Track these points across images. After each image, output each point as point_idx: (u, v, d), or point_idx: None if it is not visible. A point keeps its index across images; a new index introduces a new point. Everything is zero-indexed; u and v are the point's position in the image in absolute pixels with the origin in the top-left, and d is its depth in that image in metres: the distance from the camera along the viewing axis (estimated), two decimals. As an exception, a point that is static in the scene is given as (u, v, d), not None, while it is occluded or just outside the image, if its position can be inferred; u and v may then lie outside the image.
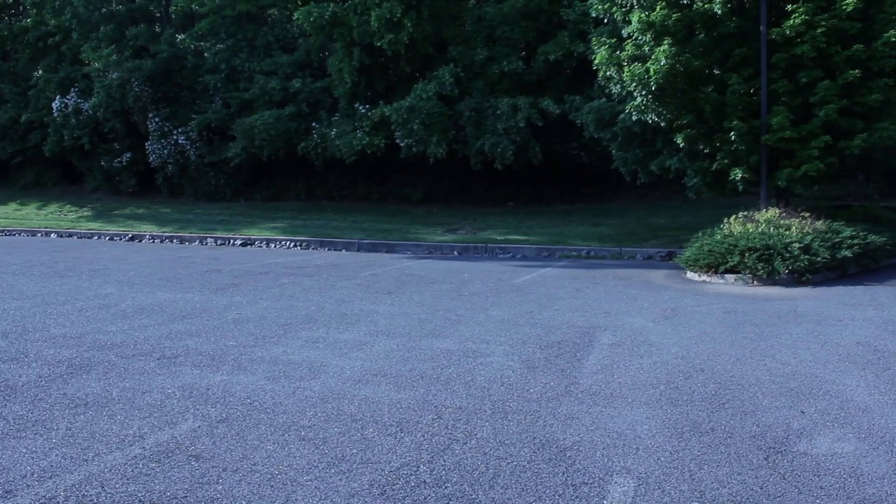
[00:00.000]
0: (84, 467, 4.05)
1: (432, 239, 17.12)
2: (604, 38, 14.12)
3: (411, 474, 3.98)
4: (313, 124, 22.31)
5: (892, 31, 11.70)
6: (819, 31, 11.74)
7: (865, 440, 4.43)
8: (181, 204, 24.92)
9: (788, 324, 7.87)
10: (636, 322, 8.04)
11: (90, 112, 25.19)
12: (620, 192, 22.83)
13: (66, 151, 26.87)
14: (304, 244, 17.52)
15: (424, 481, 3.89)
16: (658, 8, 12.34)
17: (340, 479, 3.91)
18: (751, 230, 11.68)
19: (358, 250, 16.78)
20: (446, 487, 3.81)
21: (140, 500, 3.66)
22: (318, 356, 6.53)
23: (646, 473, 3.98)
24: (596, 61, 13.99)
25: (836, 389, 5.44)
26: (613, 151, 16.51)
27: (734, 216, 12.55)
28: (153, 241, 18.91)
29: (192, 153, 24.44)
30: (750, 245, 11.04)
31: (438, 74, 20.41)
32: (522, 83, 21.00)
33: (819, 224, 11.80)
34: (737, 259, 11.01)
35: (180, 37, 26.35)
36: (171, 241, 18.81)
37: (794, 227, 11.57)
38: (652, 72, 12.36)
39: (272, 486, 3.82)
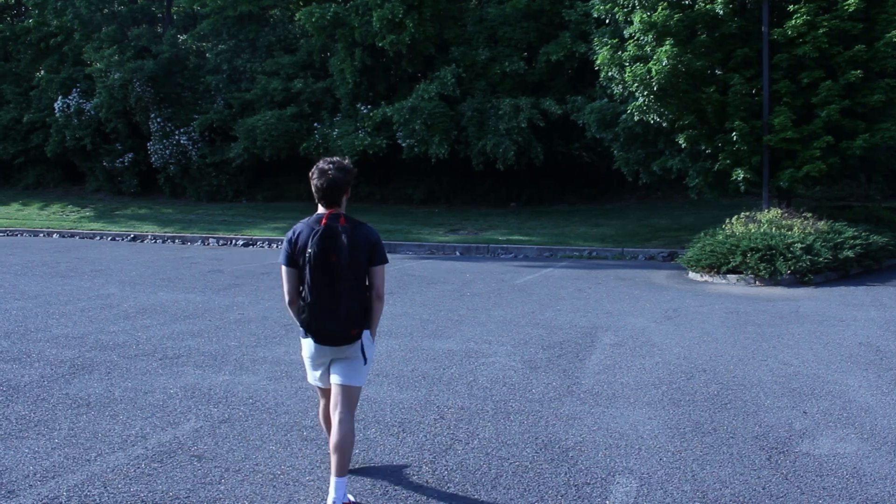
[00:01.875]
0: (86, 467, 4.06)
1: (434, 239, 17.13)
2: (605, 39, 14.13)
3: (414, 475, 3.98)
4: (315, 125, 22.32)
5: (893, 32, 11.70)
6: (821, 31, 11.74)
7: (868, 441, 4.42)
8: (183, 204, 24.94)
9: (790, 324, 7.87)
10: (638, 322, 8.04)
11: (92, 112, 25.23)
12: (622, 192, 22.82)
13: (68, 152, 26.91)
14: (305, 244, 17.49)
15: (427, 482, 3.89)
16: (660, 8, 12.35)
17: (343, 480, 3.91)
18: (753, 230, 11.68)
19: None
20: (448, 488, 3.81)
21: (143, 501, 3.66)
22: (320, 356, 6.54)
23: (648, 474, 3.98)
24: (597, 62, 13.99)
25: (838, 390, 5.44)
26: (615, 152, 16.51)
27: (736, 216, 12.54)
28: (155, 242, 18.92)
29: (193, 153, 24.45)
30: (752, 245, 11.03)
31: (440, 75, 20.42)
32: (524, 83, 21.01)
33: (821, 224, 11.79)
34: (739, 259, 11.01)
35: (182, 37, 26.38)
36: (173, 242, 18.83)
37: (796, 228, 11.56)
38: (654, 72, 12.36)
39: (274, 487, 3.82)
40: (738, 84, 12.42)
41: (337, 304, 3.51)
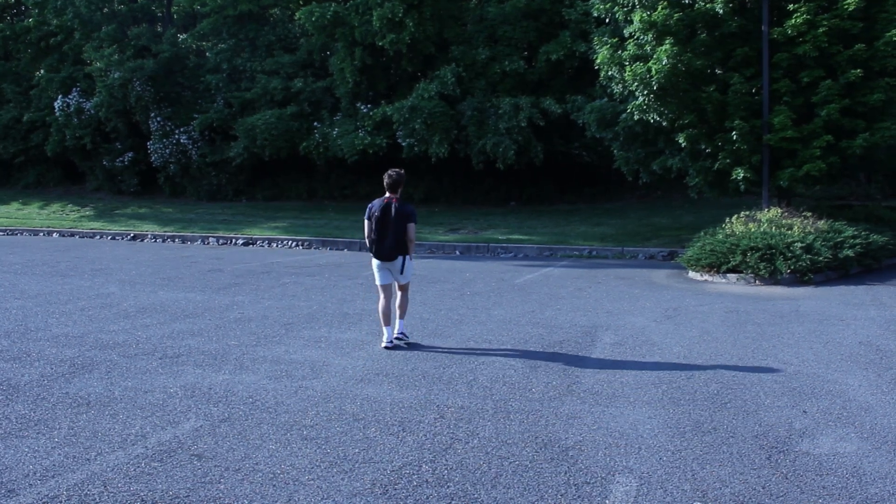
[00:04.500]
0: (86, 466, 4.06)
1: (434, 238, 17.13)
2: (605, 38, 14.12)
3: (413, 474, 3.98)
4: (315, 124, 22.32)
5: (893, 31, 11.68)
6: (821, 30, 11.74)
7: (868, 440, 4.42)
8: (183, 203, 24.94)
9: (790, 323, 7.87)
10: (638, 321, 8.04)
11: (92, 112, 25.22)
12: (622, 191, 22.82)
13: (68, 151, 26.91)
14: (305, 244, 17.52)
15: (427, 481, 3.89)
16: (660, 7, 12.34)
17: (342, 479, 3.91)
18: (753, 230, 11.68)
19: (360, 250, 16.78)
20: (448, 487, 3.81)
21: (142, 500, 3.66)
22: (320, 355, 6.54)
23: (648, 473, 3.98)
24: (597, 61, 13.98)
25: (838, 389, 5.44)
26: (615, 151, 16.50)
27: (736, 216, 12.54)
28: (155, 241, 18.93)
29: (193, 153, 24.45)
30: (752, 245, 11.03)
31: (440, 74, 20.41)
32: (524, 83, 21.00)
33: (821, 224, 11.79)
34: (739, 259, 11.01)
35: (182, 36, 26.37)
36: (173, 241, 18.83)
37: (795, 227, 11.56)
38: (653, 71, 12.36)
39: (274, 486, 3.82)
40: (738, 83, 12.41)
41: (385, 240, 6.80)
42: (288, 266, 13.40)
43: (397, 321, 7.00)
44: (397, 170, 6.96)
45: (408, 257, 6.91)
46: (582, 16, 18.98)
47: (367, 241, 6.94)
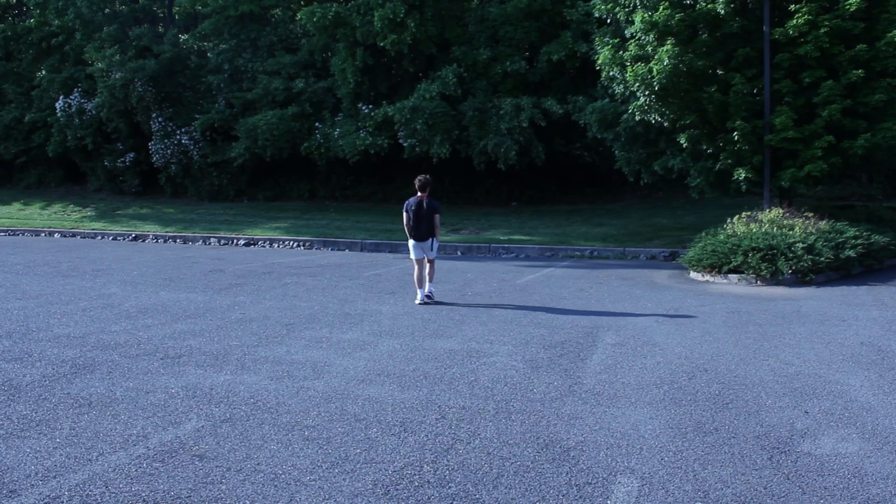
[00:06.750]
0: (88, 467, 4.06)
1: (435, 239, 17.12)
2: (607, 39, 14.12)
3: (415, 474, 3.98)
4: (316, 124, 22.33)
5: (895, 31, 11.68)
6: (822, 31, 11.73)
7: (869, 440, 4.42)
8: (184, 204, 24.96)
9: (792, 324, 7.86)
10: (640, 322, 8.03)
11: (93, 112, 25.25)
12: (623, 192, 22.81)
13: (70, 151, 26.94)
14: (307, 244, 17.53)
15: (428, 481, 3.89)
16: (661, 8, 12.34)
17: (344, 479, 3.91)
18: (754, 230, 11.67)
19: (361, 250, 16.78)
20: (450, 487, 3.81)
21: (144, 500, 3.66)
22: (321, 356, 6.54)
23: (649, 473, 3.98)
24: (599, 61, 13.99)
25: (839, 389, 5.43)
26: (616, 151, 16.50)
27: (737, 216, 12.54)
28: (156, 241, 18.94)
29: (195, 153, 24.46)
30: (753, 245, 11.03)
31: (441, 74, 20.42)
32: (525, 83, 21.00)
33: (822, 224, 11.78)
34: (740, 259, 11.00)
35: (184, 37, 26.39)
36: (175, 241, 18.84)
37: (797, 227, 11.55)
38: (655, 72, 12.35)
39: (276, 486, 3.82)
40: (740, 84, 12.41)
41: (420, 227, 9.28)
42: (289, 266, 13.40)
43: (427, 284, 9.35)
44: (426, 175, 9.49)
45: (434, 239, 9.39)
46: (583, 16, 18.98)
47: (406, 227, 9.40)
